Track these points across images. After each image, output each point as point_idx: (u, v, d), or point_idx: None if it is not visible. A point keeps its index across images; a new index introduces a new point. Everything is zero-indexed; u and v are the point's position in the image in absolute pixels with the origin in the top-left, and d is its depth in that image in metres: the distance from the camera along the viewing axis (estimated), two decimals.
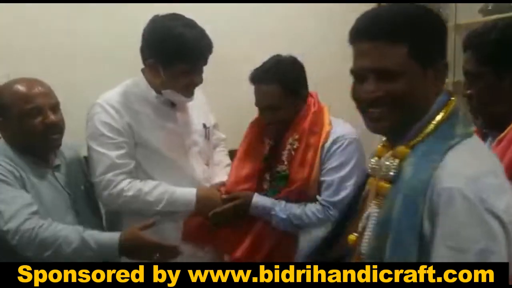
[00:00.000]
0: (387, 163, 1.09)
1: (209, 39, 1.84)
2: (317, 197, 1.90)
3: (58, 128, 1.73)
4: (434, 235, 0.97)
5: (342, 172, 1.87)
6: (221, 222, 1.93)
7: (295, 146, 1.91)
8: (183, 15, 1.85)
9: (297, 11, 2.97)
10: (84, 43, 2.60)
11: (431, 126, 1.07)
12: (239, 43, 2.74)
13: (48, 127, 1.69)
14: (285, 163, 1.92)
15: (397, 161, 1.08)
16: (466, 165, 0.99)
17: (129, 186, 1.82)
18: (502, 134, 1.34)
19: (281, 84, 1.86)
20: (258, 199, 1.92)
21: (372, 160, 1.19)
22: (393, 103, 1.05)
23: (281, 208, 1.89)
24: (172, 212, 1.89)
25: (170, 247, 1.69)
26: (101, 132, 1.82)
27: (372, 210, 1.13)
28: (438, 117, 1.07)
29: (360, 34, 1.07)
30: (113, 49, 2.62)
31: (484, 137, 1.44)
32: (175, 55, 1.78)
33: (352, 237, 1.20)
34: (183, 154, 1.94)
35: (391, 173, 1.08)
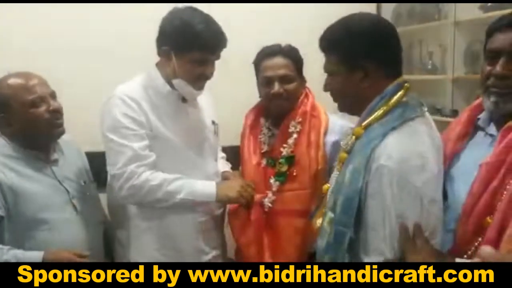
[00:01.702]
0: (348, 138, 1.43)
1: (225, 35, 1.86)
2: None
3: (61, 113, 1.77)
4: (367, 196, 1.29)
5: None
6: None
7: (298, 129, 1.95)
8: (201, 10, 1.87)
9: (301, 12, 2.99)
10: (85, 40, 2.60)
11: (380, 112, 1.36)
12: (240, 42, 2.73)
13: (53, 114, 1.73)
14: (290, 145, 1.94)
15: (353, 138, 1.41)
16: (399, 147, 1.28)
17: (152, 176, 1.81)
18: None
19: (294, 61, 1.98)
20: None
21: (348, 137, 1.47)
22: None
23: None
24: (178, 207, 1.88)
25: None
26: (123, 124, 1.80)
27: (335, 173, 1.47)
28: (388, 104, 1.36)
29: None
30: (115, 46, 2.63)
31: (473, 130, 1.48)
32: (191, 42, 1.79)
33: (326, 186, 1.54)
34: (196, 149, 1.96)
35: (348, 147, 1.41)
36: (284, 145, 1.95)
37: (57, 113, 1.74)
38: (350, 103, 1.46)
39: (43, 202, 1.69)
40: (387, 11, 3.25)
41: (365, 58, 1.37)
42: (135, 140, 1.81)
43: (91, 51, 2.61)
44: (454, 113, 2.78)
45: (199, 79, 1.87)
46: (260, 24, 2.89)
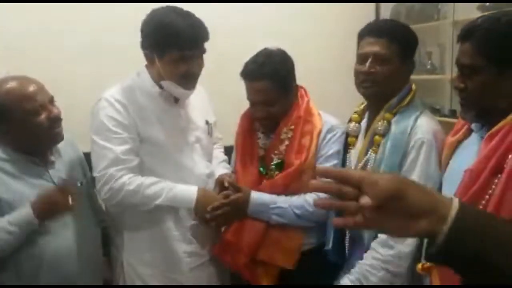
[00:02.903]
0: (380, 123, 1.67)
1: (204, 27, 1.81)
2: None
3: (60, 120, 1.73)
4: (405, 165, 1.59)
5: (338, 160, 1.89)
6: (219, 219, 1.89)
7: (289, 136, 1.92)
8: (181, 7, 1.83)
9: (296, 9, 2.99)
10: (85, 39, 2.61)
11: (406, 101, 1.68)
12: (238, 39, 2.75)
13: (53, 121, 1.69)
14: (281, 151, 1.92)
15: (385, 122, 1.67)
16: (429, 126, 1.62)
17: (130, 181, 1.80)
18: (495, 129, 1.32)
19: (273, 80, 1.86)
20: (257, 195, 1.90)
21: (351, 125, 1.84)
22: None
23: (281, 200, 1.88)
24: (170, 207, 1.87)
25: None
26: (107, 127, 1.80)
27: (369, 156, 1.69)
28: (408, 97, 1.69)
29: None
30: (114, 46, 2.63)
31: (469, 131, 1.48)
32: (165, 42, 1.76)
33: None
34: (187, 150, 1.93)
35: (381, 131, 1.67)
36: (276, 152, 1.93)
37: (58, 120, 1.71)
38: (388, 91, 1.68)
39: None
40: (386, 11, 3.26)
41: (413, 53, 1.70)
42: (118, 144, 1.79)
43: (91, 50, 2.62)
44: (453, 113, 2.79)
45: (185, 78, 1.83)
46: (258, 22, 2.90)
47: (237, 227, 1.91)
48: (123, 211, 1.92)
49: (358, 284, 1.60)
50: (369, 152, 1.70)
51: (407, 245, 1.55)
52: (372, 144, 1.70)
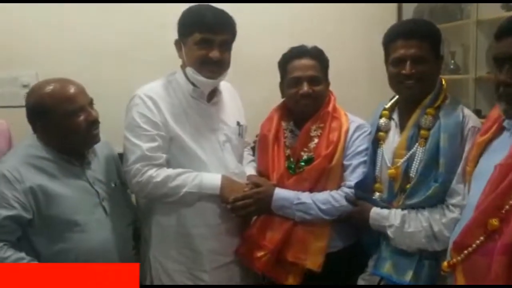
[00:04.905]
0: (425, 117, 1.76)
1: (228, 16, 1.90)
2: (345, 181, 1.93)
3: (98, 122, 1.80)
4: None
5: (366, 157, 1.92)
6: (241, 210, 1.91)
7: (319, 133, 1.96)
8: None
9: (317, 12, 3.00)
10: (110, 41, 2.64)
11: (442, 95, 1.78)
12: (257, 41, 2.76)
13: (91, 123, 1.76)
14: (311, 149, 1.95)
15: (430, 116, 1.75)
16: (474, 116, 1.76)
17: (157, 173, 1.85)
18: None
19: (319, 60, 2.00)
20: (281, 191, 1.93)
21: (381, 120, 1.91)
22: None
23: (305, 196, 1.91)
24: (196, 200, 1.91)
25: None
26: (137, 124, 1.86)
27: (417, 149, 1.75)
28: (443, 92, 1.80)
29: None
30: (139, 47, 2.67)
31: (499, 130, 1.49)
32: (190, 24, 1.86)
33: (392, 170, 1.80)
34: (217, 149, 1.97)
35: (427, 125, 1.75)
36: (305, 149, 1.96)
37: (96, 122, 1.79)
38: (429, 87, 1.78)
39: (75, 205, 1.73)
40: (408, 11, 3.24)
41: (440, 48, 1.80)
42: (146, 141, 1.85)
43: (118, 51, 2.65)
44: (477, 112, 2.76)
45: (204, 63, 1.87)
46: (276, 26, 2.91)
47: (262, 223, 1.94)
48: (151, 206, 1.97)
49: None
50: (416, 146, 1.76)
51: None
52: (415, 139, 1.77)
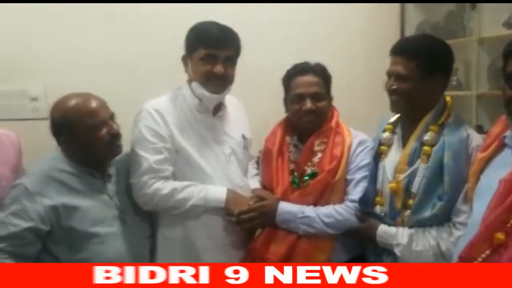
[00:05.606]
0: (428, 134, 1.77)
1: (233, 32, 1.94)
2: (348, 195, 1.96)
3: (120, 135, 1.84)
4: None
5: (368, 172, 1.94)
6: (246, 223, 1.94)
7: (322, 148, 1.99)
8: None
9: (320, 28, 3.03)
10: (118, 54, 2.66)
11: (446, 113, 1.80)
12: (264, 55, 2.79)
13: (113, 137, 1.80)
14: (314, 163, 1.98)
15: (433, 133, 1.77)
16: (478, 135, 1.76)
17: (163, 186, 1.89)
18: None
19: (322, 77, 2.04)
20: (285, 204, 1.95)
21: (384, 134, 1.93)
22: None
23: (309, 209, 1.93)
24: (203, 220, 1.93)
25: None
26: (144, 137, 1.90)
27: (419, 165, 1.77)
28: (446, 111, 1.80)
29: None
30: (147, 60, 2.68)
31: (500, 147, 1.51)
32: (194, 40, 1.92)
33: (393, 185, 1.81)
34: (222, 162, 2.00)
35: (431, 142, 1.76)
36: (309, 163, 1.99)
37: (118, 135, 1.82)
38: (415, 105, 1.80)
39: (94, 217, 1.76)
40: (411, 27, 3.28)
41: (441, 68, 1.78)
42: (153, 153, 1.89)
43: (126, 67, 2.67)
44: (479, 129, 2.78)
45: (209, 78, 1.92)
46: (283, 41, 2.93)
47: (266, 236, 1.96)
48: (156, 218, 1.99)
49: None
50: (418, 162, 1.77)
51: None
52: (417, 155, 1.79)
